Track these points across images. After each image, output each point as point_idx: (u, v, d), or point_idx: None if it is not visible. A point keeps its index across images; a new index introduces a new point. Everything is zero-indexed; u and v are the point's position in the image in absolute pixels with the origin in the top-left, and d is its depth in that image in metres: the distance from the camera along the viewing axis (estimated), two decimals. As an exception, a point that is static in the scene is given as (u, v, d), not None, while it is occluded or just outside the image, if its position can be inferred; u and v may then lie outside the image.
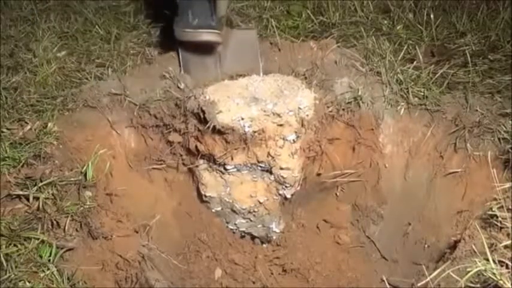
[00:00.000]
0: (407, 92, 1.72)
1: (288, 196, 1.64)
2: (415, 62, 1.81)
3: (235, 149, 1.53)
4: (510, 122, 1.55)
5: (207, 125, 1.48)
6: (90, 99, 1.69)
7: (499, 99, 1.68)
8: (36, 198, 1.32)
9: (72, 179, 1.40)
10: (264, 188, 1.64)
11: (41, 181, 1.35)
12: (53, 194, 1.34)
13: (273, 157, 1.54)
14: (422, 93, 1.71)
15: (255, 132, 1.50)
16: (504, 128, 1.53)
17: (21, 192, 1.33)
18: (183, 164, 1.68)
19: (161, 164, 1.70)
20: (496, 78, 1.77)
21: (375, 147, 1.76)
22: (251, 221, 1.70)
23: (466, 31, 2.06)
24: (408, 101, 1.72)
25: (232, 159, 1.56)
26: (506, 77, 1.77)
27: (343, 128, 1.73)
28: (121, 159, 1.70)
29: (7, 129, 1.52)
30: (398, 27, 2.10)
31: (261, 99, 1.52)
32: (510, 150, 1.46)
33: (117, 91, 1.71)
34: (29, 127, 1.55)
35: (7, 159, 1.41)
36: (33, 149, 1.46)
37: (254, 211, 1.67)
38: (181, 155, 1.68)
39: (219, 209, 1.70)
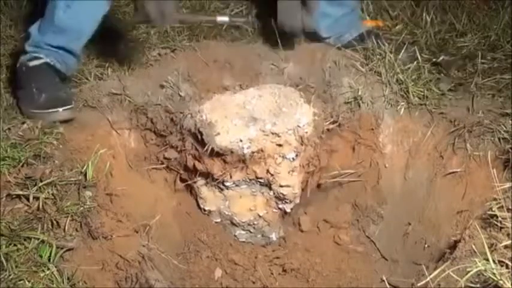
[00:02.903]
0: (408, 92, 1.72)
1: (288, 210, 1.64)
2: (415, 62, 1.81)
3: (234, 168, 1.52)
4: (510, 122, 1.55)
5: (205, 148, 1.47)
6: (90, 99, 1.69)
7: (499, 99, 1.68)
8: (36, 198, 1.32)
9: (72, 179, 1.40)
10: (264, 202, 1.63)
11: (41, 181, 1.35)
12: (53, 194, 1.34)
13: (272, 175, 1.53)
14: (422, 93, 1.71)
15: (253, 152, 1.49)
16: (504, 128, 1.53)
17: (21, 192, 1.33)
18: (181, 179, 1.67)
19: (161, 164, 1.69)
20: (496, 78, 1.77)
21: (375, 147, 1.75)
22: (251, 232, 1.70)
23: (466, 31, 2.06)
24: (408, 100, 1.72)
25: (231, 177, 1.55)
26: (506, 76, 1.77)
27: (343, 136, 1.74)
28: (121, 159, 1.70)
29: (7, 129, 1.52)
30: (398, 27, 2.10)
31: (260, 118, 1.49)
32: (510, 150, 1.46)
33: (117, 91, 1.71)
34: (29, 127, 1.55)
35: (7, 159, 1.41)
36: (33, 149, 1.46)
37: (254, 223, 1.67)
38: (178, 170, 1.68)
39: (219, 220, 1.70)
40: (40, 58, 1.63)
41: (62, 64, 1.66)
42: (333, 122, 1.65)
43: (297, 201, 1.62)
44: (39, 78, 1.61)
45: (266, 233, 1.71)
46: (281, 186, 1.55)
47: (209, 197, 1.65)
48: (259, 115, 1.51)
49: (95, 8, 1.63)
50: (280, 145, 1.50)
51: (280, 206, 1.62)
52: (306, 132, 1.52)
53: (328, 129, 1.64)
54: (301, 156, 1.54)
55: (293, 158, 1.52)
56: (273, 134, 1.49)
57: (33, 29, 1.67)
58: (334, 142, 1.73)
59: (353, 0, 1.95)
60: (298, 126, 1.51)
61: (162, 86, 1.69)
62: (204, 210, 1.69)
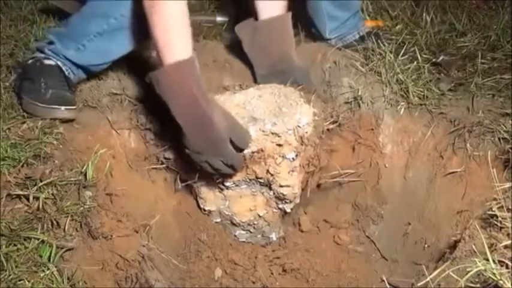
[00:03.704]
0: (408, 92, 1.72)
1: (288, 210, 1.63)
2: (415, 62, 1.81)
3: None
4: (510, 121, 1.55)
5: None
6: (90, 99, 1.69)
7: (499, 99, 1.68)
8: (36, 198, 1.32)
9: (72, 179, 1.40)
10: (264, 202, 1.63)
11: (41, 181, 1.35)
12: (53, 194, 1.34)
13: (272, 175, 1.52)
14: (422, 93, 1.71)
15: (253, 152, 1.48)
16: (504, 128, 1.53)
17: (21, 192, 1.33)
18: (181, 179, 1.67)
19: (161, 164, 1.69)
20: (496, 78, 1.77)
21: (375, 147, 1.75)
22: (251, 232, 1.70)
23: (466, 31, 2.06)
24: (408, 100, 1.72)
25: (231, 177, 1.55)
26: (506, 76, 1.77)
27: (343, 136, 1.73)
28: (121, 159, 1.70)
29: (7, 129, 1.52)
30: (398, 27, 2.10)
31: (260, 119, 1.49)
32: (510, 150, 1.46)
33: (117, 91, 1.71)
34: (29, 127, 1.55)
35: (7, 159, 1.41)
36: (33, 149, 1.46)
37: (254, 223, 1.67)
38: (178, 170, 1.67)
39: (219, 220, 1.70)
40: (55, 61, 1.65)
41: (75, 76, 1.68)
42: (333, 122, 1.65)
43: (297, 201, 1.62)
44: (50, 75, 1.62)
45: (266, 233, 1.71)
46: (281, 186, 1.55)
47: (209, 197, 1.65)
48: (259, 115, 1.50)
49: (128, 40, 1.63)
50: (280, 145, 1.50)
51: (280, 206, 1.62)
52: (306, 132, 1.52)
53: (328, 129, 1.64)
54: (301, 156, 1.54)
55: (293, 158, 1.52)
56: (273, 134, 1.49)
57: (54, 37, 1.67)
58: (334, 142, 1.73)
59: (356, 0, 1.96)
60: (298, 126, 1.50)
61: None
62: (204, 210, 1.69)
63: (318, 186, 1.73)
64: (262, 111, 1.52)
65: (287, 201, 1.59)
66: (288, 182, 1.54)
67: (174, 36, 1.36)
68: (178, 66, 1.35)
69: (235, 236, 1.72)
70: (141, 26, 1.58)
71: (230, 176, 1.54)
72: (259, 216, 1.65)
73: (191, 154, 1.44)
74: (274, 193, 1.58)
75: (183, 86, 1.36)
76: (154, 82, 1.38)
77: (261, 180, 1.56)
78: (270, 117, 1.50)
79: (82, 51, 1.64)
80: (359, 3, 1.98)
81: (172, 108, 1.38)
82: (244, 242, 1.72)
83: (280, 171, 1.52)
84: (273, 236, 1.72)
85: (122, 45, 1.64)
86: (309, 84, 1.68)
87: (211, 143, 1.40)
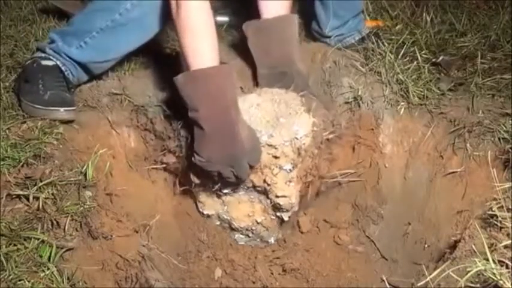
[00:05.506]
0: (408, 92, 1.72)
1: (286, 219, 1.61)
2: (415, 62, 1.81)
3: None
4: (510, 121, 1.55)
5: None
6: (90, 99, 1.69)
7: (499, 99, 1.68)
8: (36, 198, 1.32)
9: (72, 179, 1.40)
10: (262, 209, 1.61)
11: (41, 181, 1.35)
12: (53, 194, 1.34)
13: (269, 184, 1.51)
14: (422, 93, 1.71)
15: None
16: (504, 128, 1.53)
17: (21, 192, 1.33)
18: (179, 182, 1.67)
19: (161, 164, 1.69)
20: (496, 78, 1.77)
21: (375, 147, 1.75)
22: (249, 236, 1.69)
23: (466, 31, 2.06)
24: (408, 100, 1.72)
25: (229, 186, 1.54)
26: (506, 76, 1.77)
27: (343, 137, 1.73)
28: (121, 159, 1.70)
29: (7, 129, 1.52)
30: (398, 27, 2.10)
31: (256, 130, 1.46)
32: (510, 150, 1.46)
33: (117, 91, 1.71)
34: (29, 127, 1.55)
35: (7, 159, 1.41)
36: (33, 149, 1.46)
37: (252, 229, 1.66)
38: (176, 174, 1.67)
39: (218, 223, 1.70)
40: (54, 61, 1.64)
41: (74, 77, 1.67)
42: (333, 132, 1.63)
43: (295, 209, 1.59)
44: (48, 76, 1.62)
45: (265, 237, 1.70)
46: (277, 196, 1.52)
47: (208, 201, 1.64)
48: (256, 126, 1.47)
49: (130, 38, 1.63)
50: (276, 157, 1.48)
51: (278, 214, 1.61)
52: (304, 144, 1.49)
53: (328, 139, 1.62)
54: (299, 167, 1.52)
55: (290, 170, 1.50)
56: (269, 145, 1.46)
57: (56, 36, 1.67)
58: (334, 146, 1.71)
59: (359, 1, 1.96)
60: (296, 138, 1.47)
61: (162, 87, 1.69)
62: (203, 214, 1.68)
63: (317, 194, 1.72)
64: (259, 121, 1.49)
65: (284, 210, 1.58)
66: (285, 193, 1.52)
67: (200, 41, 1.36)
68: (216, 71, 1.34)
69: (234, 239, 1.71)
70: (143, 25, 1.58)
71: (229, 184, 1.52)
72: (257, 223, 1.63)
73: (203, 163, 1.41)
74: (271, 202, 1.57)
75: (217, 92, 1.35)
76: (179, 85, 1.36)
77: (259, 189, 1.55)
78: (267, 128, 1.47)
79: (84, 49, 1.63)
80: (361, 6, 1.98)
81: (200, 114, 1.35)
82: (243, 245, 1.72)
83: (276, 181, 1.50)
84: (272, 240, 1.71)
85: (123, 42, 1.63)
86: (308, 90, 1.65)
87: (231, 153, 1.38)
